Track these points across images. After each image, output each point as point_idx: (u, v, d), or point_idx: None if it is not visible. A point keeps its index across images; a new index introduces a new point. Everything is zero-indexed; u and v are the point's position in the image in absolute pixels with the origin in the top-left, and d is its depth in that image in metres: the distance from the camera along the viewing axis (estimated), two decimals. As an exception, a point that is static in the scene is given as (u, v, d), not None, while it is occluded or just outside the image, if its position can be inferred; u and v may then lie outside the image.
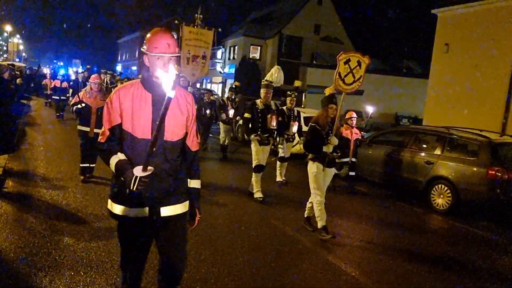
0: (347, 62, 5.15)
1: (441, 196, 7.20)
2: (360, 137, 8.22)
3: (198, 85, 17.08)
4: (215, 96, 19.37)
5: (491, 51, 13.41)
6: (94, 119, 6.53)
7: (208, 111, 10.23)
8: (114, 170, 2.28)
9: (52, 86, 15.60)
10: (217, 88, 38.80)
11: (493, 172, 6.58)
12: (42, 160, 7.94)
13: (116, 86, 12.54)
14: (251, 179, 6.71)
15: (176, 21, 11.78)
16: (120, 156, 2.28)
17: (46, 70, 22.45)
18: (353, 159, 8.04)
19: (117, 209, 2.34)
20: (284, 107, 7.76)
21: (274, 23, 37.23)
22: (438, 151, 7.55)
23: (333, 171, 5.30)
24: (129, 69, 53.91)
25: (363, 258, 4.71)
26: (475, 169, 6.84)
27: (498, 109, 13.16)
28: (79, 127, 6.68)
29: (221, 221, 5.43)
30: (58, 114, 14.88)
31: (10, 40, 42.70)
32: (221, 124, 10.53)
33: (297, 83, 8.75)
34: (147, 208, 2.32)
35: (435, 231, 6.37)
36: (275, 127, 6.71)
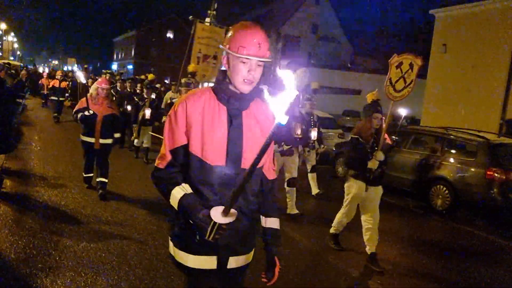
0: (399, 65, 4.50)
1: (440, 196, 7.22)
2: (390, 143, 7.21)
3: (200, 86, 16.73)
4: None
5: (488, 51, 13.49)
6: (99, 128, 5.79)
7: None
8: (177, 207, 1.75)
9: (51, 86, 14.82)
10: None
11: (491, 173, 6.61)
12: (40, 160, 7.89)
13: (116, 86, 10.97)
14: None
15: (190, 17, 11.34)
16: (186, 188, 1.76)
17: (42, 69, 22.28)
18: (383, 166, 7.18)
19: (185, 258, 1.85)
20: (303, 112, 7.02)
21: (271, 23, 37.24)
22: (436, 152, 7.58)
23: (380, 189, 4.54)
24: (125, 67, 53.66)
25: (362, 258, 4.71)
26: (473, 169, 6.88)
27: (496, 109, 13.24)
28: (83, 138, 5.92)
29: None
30: (55, 115, 14.01)
31: (4, 38, 42.41)
32: None
33: (315, 85, 7.97)
34: (215, 258, 1.84)
35: (433, 232, 6.40)
36: (300, 136, 6.05)
